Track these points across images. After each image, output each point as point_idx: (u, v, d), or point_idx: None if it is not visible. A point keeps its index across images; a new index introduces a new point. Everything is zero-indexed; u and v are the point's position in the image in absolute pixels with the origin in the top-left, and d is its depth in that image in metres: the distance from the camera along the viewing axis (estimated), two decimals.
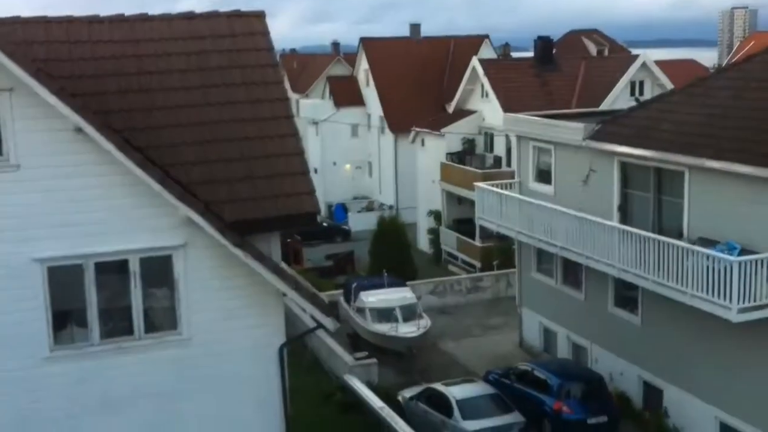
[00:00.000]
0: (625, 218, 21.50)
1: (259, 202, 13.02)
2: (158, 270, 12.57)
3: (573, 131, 22.87)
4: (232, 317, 12.95)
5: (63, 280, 12.20)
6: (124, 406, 12.55)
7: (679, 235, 19.41)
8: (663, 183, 20.53)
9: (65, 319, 12.42)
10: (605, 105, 36.77)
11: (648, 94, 36.91)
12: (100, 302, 12.36)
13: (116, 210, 12.26)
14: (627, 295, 21.93)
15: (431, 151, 43.60)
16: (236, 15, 14.96)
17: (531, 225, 23.64)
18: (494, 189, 25.85)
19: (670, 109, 21.32)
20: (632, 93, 38.59)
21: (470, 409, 19.58)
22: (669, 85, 37.09)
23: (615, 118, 22.72)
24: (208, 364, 12.85)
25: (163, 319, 12.80)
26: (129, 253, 12.35)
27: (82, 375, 12.37)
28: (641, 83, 39.66)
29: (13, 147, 11.81)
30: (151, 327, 12.68)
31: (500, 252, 35.10)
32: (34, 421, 12.24)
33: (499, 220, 25.36)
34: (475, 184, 27.69)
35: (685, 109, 20.89)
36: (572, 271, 24.08)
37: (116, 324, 12.55)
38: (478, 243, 38.04)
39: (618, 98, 37.87)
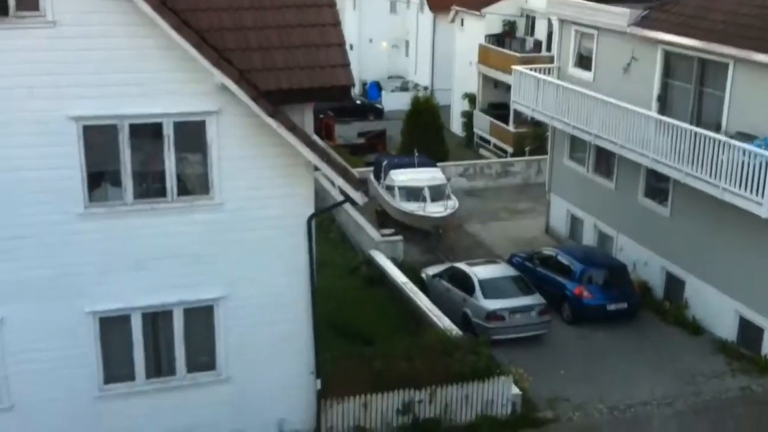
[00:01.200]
0: (663, 109, 21.15)
1: (293, 71, 12.91)
2: (192, 135, 12.69)
3: (618, 16, 22.24)
4: (263, 186, 13.13)
5: (98, 140, 12.36)
6: (155, 265, 12.93)
7: (717, 129, 19.10)
8: (706, 74, 20.04)
9: (100, 178, 12.66)
10: None
11: None
12: (135, 164, 12.54)
13: (151, 73, 12.27)
14: (658, 186, 21.83)
15: (470, 32, 42.63)
16: None
17: (567, 111, 23.39)
18: (532, 73, 25.44)
19: None
20: None
21: (492, 288, 19.92)
22: None
23: (662, 4, 21.97)
24: (239, 229, 13.14)
25: (195, 184, 13.02)
26: (163, 116, 12.45)
27: (115, 232, 12.71)
28: None
29: (50, 3, 11.74)
30: (183, 190, 12.91)
31: (533, 138, 34.83)
32: (67, 274, 12.66)
33: (534, 105, 25.08)
34: (513, 67, 27.23)
35: None
36: (604, 160, 23.92)
37: (150, 186, 12.79)
38: (511, 128, 37.69)
39: None
